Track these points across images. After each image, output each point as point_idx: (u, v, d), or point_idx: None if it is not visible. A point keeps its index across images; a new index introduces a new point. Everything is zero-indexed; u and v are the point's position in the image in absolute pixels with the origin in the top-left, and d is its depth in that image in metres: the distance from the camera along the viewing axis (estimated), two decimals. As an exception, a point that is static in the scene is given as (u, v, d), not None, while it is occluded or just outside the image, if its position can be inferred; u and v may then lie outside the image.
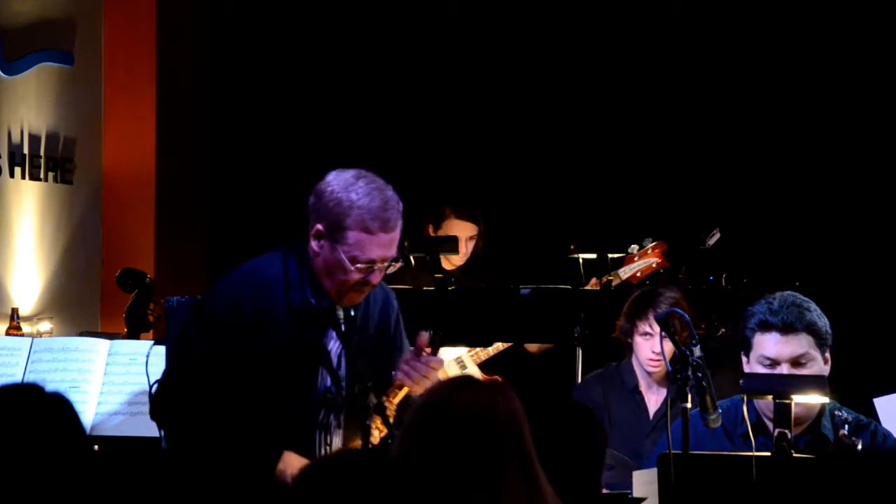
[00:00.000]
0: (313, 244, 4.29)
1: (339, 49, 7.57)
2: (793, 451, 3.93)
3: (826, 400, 4.27)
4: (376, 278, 4.26)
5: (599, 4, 7.61)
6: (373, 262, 4.22)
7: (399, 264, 4.33)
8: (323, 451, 4.29)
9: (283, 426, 4.26)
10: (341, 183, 4.25)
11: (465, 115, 7.53)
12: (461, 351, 6.16)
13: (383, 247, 4.23)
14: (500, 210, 7.01)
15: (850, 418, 4.32)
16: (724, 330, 5.43)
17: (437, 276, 5.87)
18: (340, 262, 4.22)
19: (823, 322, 4.41)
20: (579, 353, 6.01)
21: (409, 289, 5.91)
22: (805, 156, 7.28)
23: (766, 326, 4.38)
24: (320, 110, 7.51)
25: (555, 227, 6.97)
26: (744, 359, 4.46)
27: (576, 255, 6.26)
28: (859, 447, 3.96)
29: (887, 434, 4.33)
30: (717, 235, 6.21)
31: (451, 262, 6.54)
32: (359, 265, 4.21)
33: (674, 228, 6.44)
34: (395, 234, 4.24)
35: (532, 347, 6.36)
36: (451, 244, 5.50)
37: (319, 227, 4.26)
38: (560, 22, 7.58)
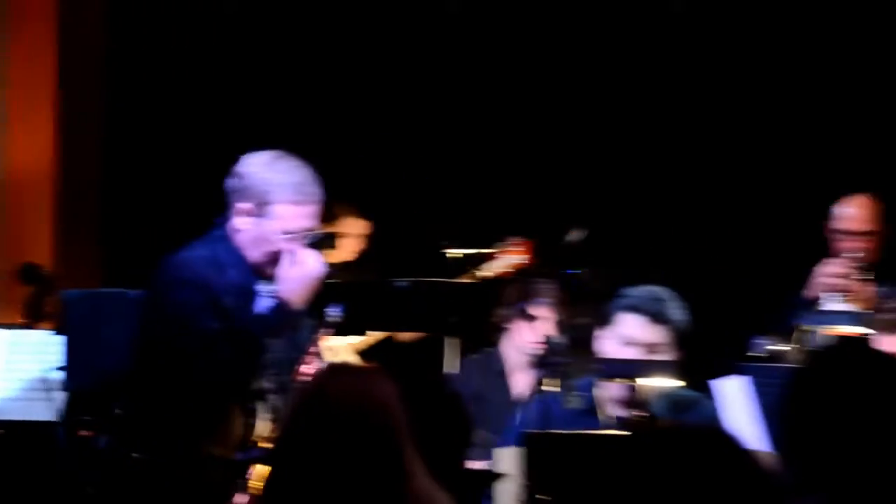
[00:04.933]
0: (237, 222, 4.42)
1: (235, 49, 7.54)
2: (641, 430, 4.10)
3: (676, 383, 4.47)
4: (305, 246, 4.41)
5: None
6: (299, 232, 4.38)
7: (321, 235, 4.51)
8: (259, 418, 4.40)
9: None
10: (263, 162, 4.44)
11: (346, 112, 7.54)
12: (340, 340, 6.25)
13: (308, 218, 4.40)
14: (378, 208, 7.06)
15: (682, 395, 4.55)
16: (585, 320, 5.56)
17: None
18: (269, 235, 4.38)
19: (682, 315, 4.61)
20: (452, 341, 6.13)
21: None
22: (660, 156, 7.38)
23: (635, 309, 4.61)
24: (216, 110, 7.48)
25: (429, 225, 7.03)
26: (600, 331, 4.65)
27: (449, 251, 6.38)
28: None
29: (713, 407, 4.56)
30: (580, 233, 6.34)
31: (338, 256, 6.62)
32: (287, 236, 4.35)
33: (539, 226, 6.54)
34: (317, 207, 4.40)
35: (405, 337, 6.46)
36: (329, 239, 5.57)
37: (245, 205, 4.40)
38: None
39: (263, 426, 4.37)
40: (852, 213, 6.30)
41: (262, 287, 4.52)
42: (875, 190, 6.40)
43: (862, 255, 6.16)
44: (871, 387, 2.67)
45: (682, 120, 7.38)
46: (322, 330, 4.54)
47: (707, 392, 4.74)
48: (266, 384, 4.40)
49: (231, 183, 4.48)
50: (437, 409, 3.55)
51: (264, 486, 3.22)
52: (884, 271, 6.09)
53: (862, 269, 6.09)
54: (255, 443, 4.32)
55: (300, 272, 4.38)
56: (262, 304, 4.51)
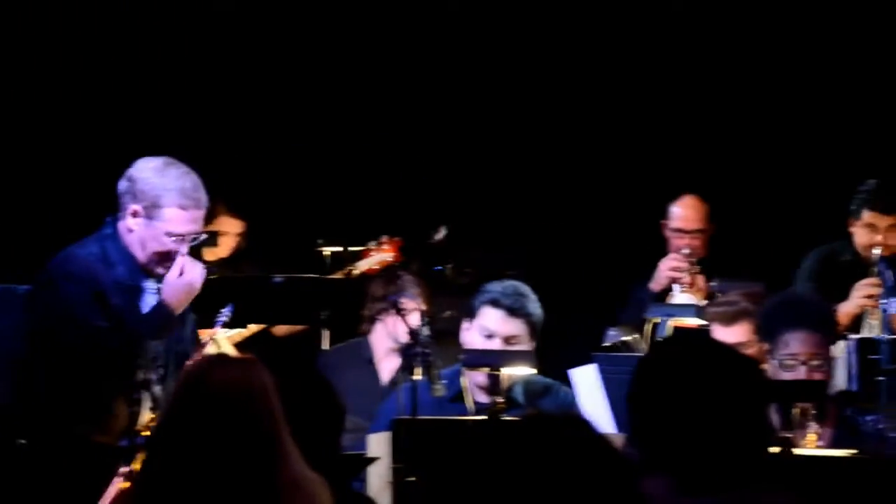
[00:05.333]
0: (128, 223, 4.56)
1: (118, 47, 7.45)
2: (502, 415, 4.28)
3: (534, 371, 4.65)
4: (185, 250, 4.55)
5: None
6: (185, 235, 4.52)
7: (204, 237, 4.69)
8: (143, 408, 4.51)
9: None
10: (154, 167, 4.60)
11: (219, 110, 7.48)
12: (218, 332, 6.33)
13: (195, 222, 4.55)
14: (254, 207, 7.09)
15: (539, 382, 4.75)
16: (449, 313, 5.72)
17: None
18: (157, 236, 4.52)
19: (539, 311, 4.81)
20: (325, 333, 6.28)
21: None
22: (518, 155, 7.48)
23: (495, 304, 4.79)
24: (100, 105, 7.39)
25: (303, 224, 7.08)
26: (465, 323, 4.84)
27: (321, 249, 6.53)
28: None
29: (568, 392, 4.78)
30: (444, 231, 6.52)
31: (214, 253, 6.69)
32: (174, 238, 4.48)
33: (407, 225, 6.67)
34: (204, 212, 4.57)
35: (281, 329, 6.56)
36: (211, 238, 5.71)
37: (136, 207, 4.55)
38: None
39: (147, 415, 4.49)
40: (683, 213, 6.58)
41: (148, 284, 4.68)
42: (703, 191, 6.66)
43: (692, 251, 6.45)
44: (707, 374, 2.79)
45: (539, 119, 7.46)
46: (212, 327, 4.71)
47: (564, 379, 4.93)
48: (150, 375, 4.54)
49: (123, 185, 4.65)
50: (311, 397, 3.58)
51: (139, 470, 3.28)
52: (712, 266, 6.36)
53: (695, 265, 6.38)
54: (139, 431, 4.43)
55: (184, 281, 4.56)
56: (149, 301, 4.67)
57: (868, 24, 7.33)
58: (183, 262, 4.58)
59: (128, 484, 4.04)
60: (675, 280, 6.35)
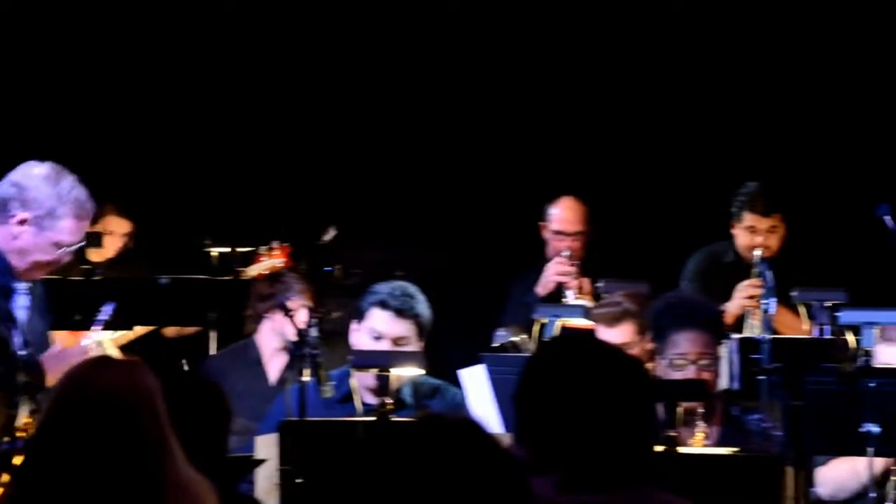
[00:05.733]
0: (12, 230, 4.45)
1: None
2: (391, 416, 4.25)
3: (423, 372, 4.64)
4: (68, 258, 4.48)
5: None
6: (73, 244, 4.44)
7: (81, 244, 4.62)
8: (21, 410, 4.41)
9: None
10: (46, 177, 4.50)
11: (107, 110, 7.43)
12: (104, 335, 6.24)
13: (84, 231, 4.46)
14: (141, 207, 7.03)
15: (428, 383, 4.74)
16: (338, 314, 5.70)
17: (83, 267, 5.96)
18: (45, 246, 4.42)
19: (427, 311, 4.79)
20: (213, 335, 6.22)
21: (57, 278, 5.96)
22: (405, 157, 7.49)
23: (384, 305, 4.77)
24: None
25: (190, 224, 7.03)
26: (353, 324, 4.81)
27: (209, 249, 6.46)
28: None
29: (457, 393, 4.78)
30: (333, 233, 6.49)
31: (101, 254, 6.60)
32: (63, 248, 4.40)
33: (295, 225, 6.64)
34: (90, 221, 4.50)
35: (170, 331, 6.48)
36: (96, 238, 5.63)
37: (25, 215, 4.43)
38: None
39: (26, 418, 4.39)
40: (563, 214, 6.61)
41: (19, 286, 4.58)
42: (583, 192, 6.70)
43: (573, 253, 6.49)
44: (592, 373, 2.81)
45: (424, 121, 7.48)
46: (92, 327, 4.62)
47: (453, 380, 4.93)
48: (29, 378, 4.43)
49: (8, 191, 4.52)
50: (197, 399, 3.55)
51: (16, 473, 3.21)
52: (595, 268, 6.39)
53: (577, 266, 6.42)
54: (17, 434, 4.33)
55: (68, 362, 4.39)
56: (20, 302, 4.56)
57: (742, 27, 7.41)
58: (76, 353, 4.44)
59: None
60: (562, 284, 6.38)
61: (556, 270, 6.43)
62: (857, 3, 7.31)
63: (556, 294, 6.38)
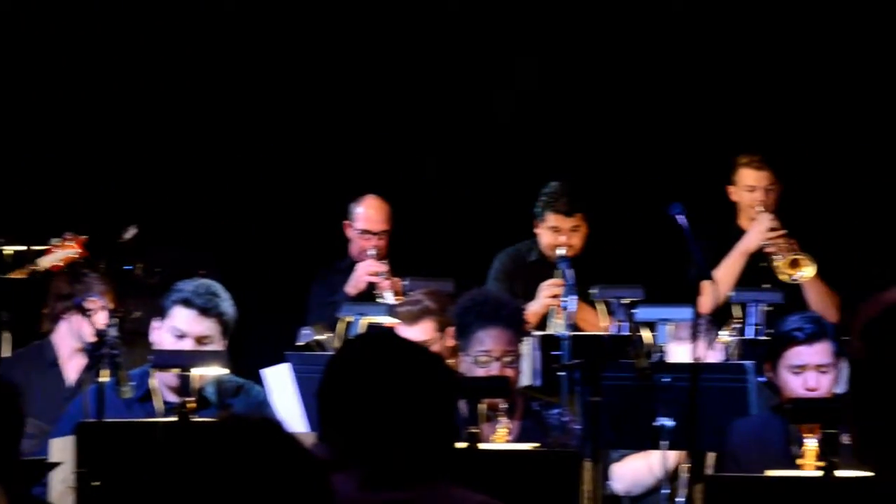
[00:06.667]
0: None
1: None
2: (193, 416, 4.15)
3: (226, 371, 4.54)
4: None
5: None
6: None
7: None
8: None
9: None
10: None
11: None
12: None
13: None
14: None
15: (231, 382, 4.65)
16: (139, 313, 5.56)
17: None
18: None
19: (232, 310, 4.70)
20: (4, 335, 5.98)
21: None
22: (209, 157, 7.37)
23: (187, 303, 4.68)
24: None
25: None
26: (155, 323, 4.69)
27: (1, 247, 6.21)
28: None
29: (261, 392, 4.70)
30: (134, 231, 6.31)
31: None
32: None
33: (94, 223, 6.45)
34: None
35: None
36: None
37: None
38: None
39: None
40: (368, 213, 6.58)
41: None
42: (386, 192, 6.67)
43: (378, 251, 6.46)
44: (393, 370, 2.78)
45: (228, 120, 7.37)
46: None
47: (257, 379, 4.86)
48: None
49: None
50: None
51: None
52: (402, 266, 6.37)
53: (384, 265, 6.39)
54: None
55: None
56: None
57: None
58: None
59: None
60: (374, 284, 6.35)
61: (366, 270, 6.39)
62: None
63: (367, 293, 6.33)
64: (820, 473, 4.15)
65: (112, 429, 4.16)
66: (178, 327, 4.68)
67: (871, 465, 4.32)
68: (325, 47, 7.39)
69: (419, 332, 5.14)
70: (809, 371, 4.72)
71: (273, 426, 2.43)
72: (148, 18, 7.32)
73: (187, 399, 4.22)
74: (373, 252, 6.44)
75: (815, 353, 4.72)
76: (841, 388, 4.88)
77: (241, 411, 4.61)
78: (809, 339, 4.72)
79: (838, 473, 4.06)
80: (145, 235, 6.40)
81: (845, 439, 4.48)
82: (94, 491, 3.98)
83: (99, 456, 4.01)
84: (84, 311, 4.77)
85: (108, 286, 5.63)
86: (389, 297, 6.16)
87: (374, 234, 6.53)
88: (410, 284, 5.82)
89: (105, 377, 4.29)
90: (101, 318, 4.71)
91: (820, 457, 4.32)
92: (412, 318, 5.18)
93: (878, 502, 4.08)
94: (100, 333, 4.37)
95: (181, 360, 4.39)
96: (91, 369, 4.37)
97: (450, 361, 4.84)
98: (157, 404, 4.64)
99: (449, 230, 7.26)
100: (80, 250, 6.06)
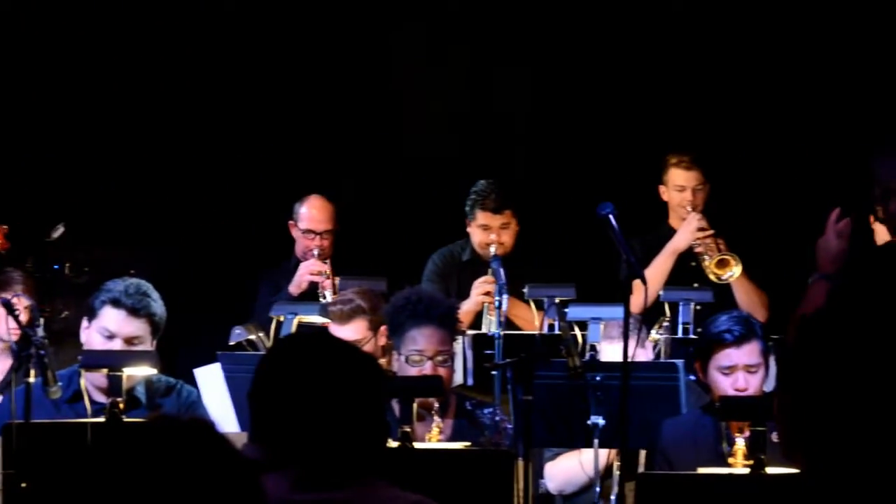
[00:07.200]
0: None
1: None
2: (122, 417, 4.09)
3: (156, 371, 4.49)
4: None
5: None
6: None
7: None
8: None
9: None
10: None
11: None
12: None
13: None
14: None
15: (162, 382, 4.60)
16: (67, 313, 5.50)
17: None
18: None
19: (162, 310, 4.64)
20: None
21: None
22: (140, 154, 7.30)
23: (116, 303, 4.62)
24: None
25: None
26: (84, 322, 4.63)
27: None
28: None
29: (192, 391, 4.67)
30: (62, 230, 6.24)
31: None
32: None
33: (20, 221, 6.37)
34: None
35: None
36: None
37: None
38: None
39: None
40: (312, 213, 6.54)
41: None
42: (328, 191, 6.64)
43: (322, 251, 6.42)
44: (324, 370, 2.74)
45: (157, 118, 7.31)
46: None
47: (189, 378, 4.81)
48: None
49: None
50: None
51: None
52: (343, 265, 6.34)
53: (326, 264, 6.36)
54: None
55: None
56: None
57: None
58: None
59: None
60: (315, 283, 6.31)
61: (308, 269, 6.36)
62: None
63: (310, 293, 6.29)
64: (749, 471, 4.17)
65: (40, 430, 4.10)
66: (108, 327, 4.61)
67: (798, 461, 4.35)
68: (264, 49, 7.34)
69: (351, 331, 5.12)
70: (739, 371, 4.74)
71: (202, 426, 2.39)
72: (88, 15, 7.25)
73: (117, 399, 4.17)
74: (316, 252, 6.40)
75: (744, 353, 4.74)
76: (770, 387, 4.90)
77: (171, 411, 4.55)
78: (738, 341, 4.74)
79: (767, 470, 4.07)
80: (73, 235, 6.34)
81: (774, 437, 4.50)
82: (21, 492, 3.92)
83: (27, 457, 3.95)
84: (10, 310, 4.68)
85: (35, 285, 5.56)
86: (329, 296, 6.12)
87: (318, 233, 6.49)
88: (343, 283, 5.79)
89: (33, 377, 4.22)
90: (27, 317, 4.62)
91: (749, 454, 4.33)
92: (344, 318, 5.16)
93: (805, 498, 4.10)
94: (26, 333, 4.29)
95: (110, 361, 4.32)
96: (18, 369, 4.30)
97: (382, 360, 4.83)
98: (87, 405, 4.58)
99: (382, 230, 7.23)
100: (1, 241, 5.97)
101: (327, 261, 6.39)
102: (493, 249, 6.19)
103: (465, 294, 6.08)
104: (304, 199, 6.56)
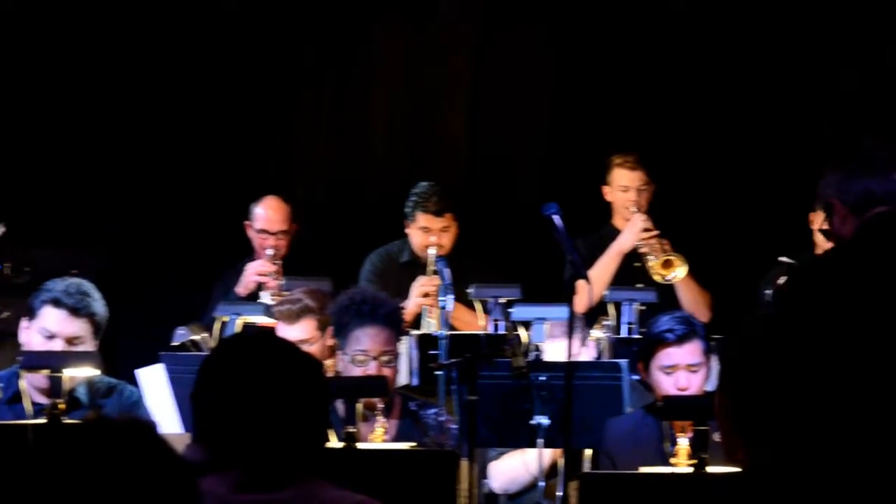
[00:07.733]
0: None
1: None
2: (63, 418, 4.06)
3: (97, 372, 4.45)
4: None
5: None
6: None
7: None
8: None
9: None
10: None
11: None
12: None
13: None
14: None
15: (104, 382, 4.57)
16: (7, 313, 5.46)
17: None
18: None
19: (103, 310, 4.61)
20: None
21: None
22: (86, 153, 7.25)
23: (57, 303, 4.58)
24: None
25: None
26: (24, 323, 4.60)
27: None
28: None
29: (134, 392, 4.65)
30: (2, 229, 6.19)
31: None
32: None
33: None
34: None
35: None
36: None
37: None
38: None
39: None
40: (267, 214, 6.51)
41: None
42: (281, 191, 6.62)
43: (276, 252, 6.39)
44: (267, 371, 2.73)
45: (112, 116, 7.25)
46: None
47: (131, 379, 4.77)
48: None
49: None
50: None
51: None
52: (293, 266, 6.32)
53: (279, 266, 6.33)
54: None
55: None
56: None
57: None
58: None
59: None
60: (261, 284, 6.28)
61: (255, 270, 6.32)
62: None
63: (257, 294, 6.26)
64: (692, 470, 4.18)
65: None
66: (48, 328, 4.56)
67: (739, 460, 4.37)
68: (216, 48, 7.31)
69: (299, 330, 5.10)
70: (680, 371, 4.76)
71: (140, 427, 2.37)
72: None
73: (57, 400, 4.13)
74: (270, 252, 6.36)
75: (686, 353, 4.77)
76: (711, 386, 4.92)
77: (113, 412, 4.52)
78: (680, 340, 4.76)
79: (709, 469, 4.09)
80: (13, 235, 6.28)
81: (716, 437, 4.52)
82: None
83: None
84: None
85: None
86: (267, 298, 6.09)
87: (272, 234, 6.45)
88: (288, 284, 5.76)
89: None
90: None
91: (692, 454, 4.35)
92: (292, 317, 5.13)
93: (746, 497, 4.12)
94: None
95: (51, 361, 4.27)
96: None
97: (329, 361, 4.81)
98: (27, 406, 4.53)
99: (326, 229, 7.22)
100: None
101: (279, 261, 6.36)
102: (432, 251, 6.18)
103: (403, 295, 6.05)
104: (261, 199, 6.53)
